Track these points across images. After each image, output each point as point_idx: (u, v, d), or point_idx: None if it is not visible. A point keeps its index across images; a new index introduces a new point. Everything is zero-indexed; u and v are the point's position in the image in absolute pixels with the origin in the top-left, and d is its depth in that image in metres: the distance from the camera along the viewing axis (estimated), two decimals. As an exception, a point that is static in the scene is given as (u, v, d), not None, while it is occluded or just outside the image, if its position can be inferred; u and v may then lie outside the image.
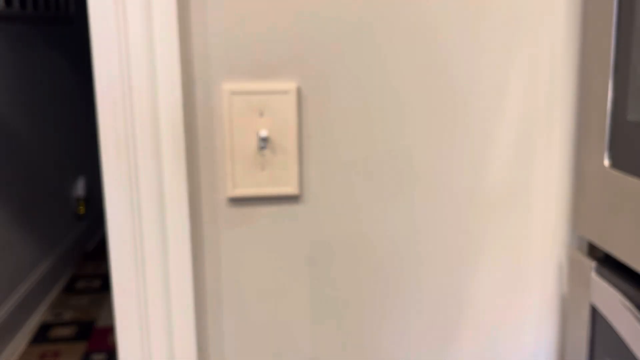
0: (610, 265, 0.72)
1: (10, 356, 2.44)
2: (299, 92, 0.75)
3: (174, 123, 0.71)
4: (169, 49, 0.70)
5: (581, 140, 0.75)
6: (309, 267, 0.79)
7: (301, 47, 0.74)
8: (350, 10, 0.74)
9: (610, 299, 0.69)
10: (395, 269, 0.81)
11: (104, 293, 2.96)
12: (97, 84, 0.70)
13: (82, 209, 3.31)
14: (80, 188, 3.28)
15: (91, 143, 3.51)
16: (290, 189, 0.76)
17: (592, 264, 0.73)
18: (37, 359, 2.41)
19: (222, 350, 0.80)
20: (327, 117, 0.76)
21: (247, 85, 0.73)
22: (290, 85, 0.74)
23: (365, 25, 0.74)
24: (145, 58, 0.70)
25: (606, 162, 0.70)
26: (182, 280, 0.75)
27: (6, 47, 2.51)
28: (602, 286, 0.71)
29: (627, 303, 0.66)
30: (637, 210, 0.64)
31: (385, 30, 0.75)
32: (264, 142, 0.74)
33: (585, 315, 0.75)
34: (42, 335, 2.58)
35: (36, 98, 2.81)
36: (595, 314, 0.74)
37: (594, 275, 0.73)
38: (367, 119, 0.77)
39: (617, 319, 0.68)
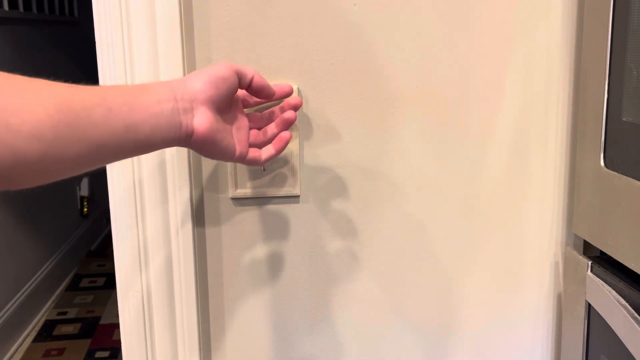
0: (605, 264, 0.73)
1: (15, 353, 2.46)
2: (299, 93, 0.76)
3: (176, 124, 0.72)
4: (172, 51, 0.70)
5: (577, 140, 0.76)
6: (308, 266, 0.80)
7: (301, 49, 0.75)
8: (350, 12, 0.75)
9: (605, 297, 0.69)
10: (394, 268, 0.82)
11: (107, 290, 2.97)
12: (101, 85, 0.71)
13: (86, 208, 3.33)
14: (84, 187, 3.30)
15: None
16: (291, 189, 0.77)
17: (588, 262, 0.74)
18: (42, 356, 2.42)
19: (224, 346, 0.81)
20: (327, 117, 0.77)
21: (249, 86, 0.74)
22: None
23: (364, 27, 0.75)
24: (149, 60, 0.70)
25: (602, 162, 0.70)
26: (185, 277, 0.76)
27: (10, 48, 2.52)
28: (597, 284, 0.71)
29: (622, 301, 0.66)
30: (631, 210, 0.65)
31: (384, 33, 0.75)
32: (265, 142, 0.75)
33: (581, 313, 0.76)
34: (46, 332, 2.60)
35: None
36: (591, 311, 0.74)
37: (589, 274, 0.74)
38: (366, 120, 0.77)
39: (612, 316, 0.68)
